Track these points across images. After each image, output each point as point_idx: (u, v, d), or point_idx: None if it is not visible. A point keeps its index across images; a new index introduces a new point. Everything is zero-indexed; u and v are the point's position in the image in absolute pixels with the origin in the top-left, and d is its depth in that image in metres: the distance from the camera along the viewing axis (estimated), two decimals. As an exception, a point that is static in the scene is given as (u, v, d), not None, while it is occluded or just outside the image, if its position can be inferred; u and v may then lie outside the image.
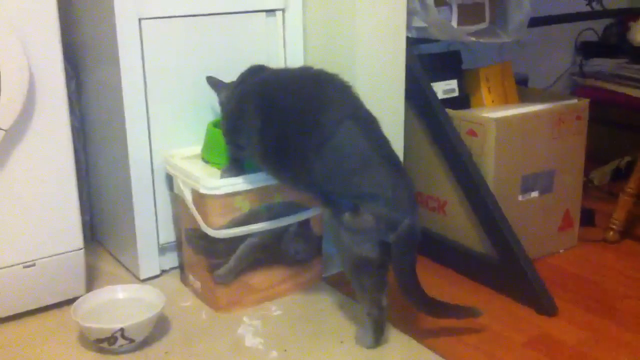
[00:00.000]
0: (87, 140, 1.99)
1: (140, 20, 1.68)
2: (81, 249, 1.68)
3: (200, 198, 1.61)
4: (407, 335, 1.56)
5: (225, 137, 1.63)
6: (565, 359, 1.50)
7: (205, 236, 1.62)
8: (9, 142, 1.52)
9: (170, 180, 1.78)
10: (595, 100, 2.05)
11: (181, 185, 1.67)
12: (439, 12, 1.85)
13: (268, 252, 1.70)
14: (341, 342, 1.55)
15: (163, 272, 1.86)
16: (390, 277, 1.49)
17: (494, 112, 1.89)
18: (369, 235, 1.44)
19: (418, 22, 1.85)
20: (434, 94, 1.87)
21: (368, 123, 1.49)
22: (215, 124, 1.72)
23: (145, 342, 1.53)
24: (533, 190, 1.91)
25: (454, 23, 1.93)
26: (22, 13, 1.49)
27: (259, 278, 1.70)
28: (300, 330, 1.60)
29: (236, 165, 1.63)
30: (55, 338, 1.56)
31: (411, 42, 1.83)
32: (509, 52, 2.42)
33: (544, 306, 1.67)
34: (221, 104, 1.69)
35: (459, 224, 1.89)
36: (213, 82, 1.71)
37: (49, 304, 1.66)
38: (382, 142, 1.48)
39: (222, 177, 1.62)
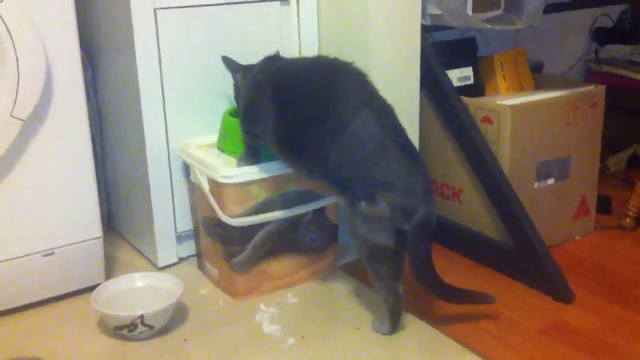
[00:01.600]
0: (104, 130, 2.01)
1: (155, 10, 1.69)
2: (100, 237, 1.69)
3: (217, 186, 1.62)
4: (423, 322, 1.57)
5: (241, 126, 1.64)
6: (582, 346, 1.50)
7: (222, 224, 1.63)
8: (27, 132, 1.53)
9: (186, 169, 1.79)
10: (611, 86, 2.04)
11: (198, 174, 1.68)
12: (453, -2, 1.85)
13: (284, 240, 1.71)
14: (357, 328, 1.56)
15: (180, 260, 1.88)
16: (405, 264, 1.49)
17: (509, 99, 1.88)
18: (384, 223, 1.45)
19: (433, 9, 1.85)
20: (449, 81, 1.87)
21: (384, 111, 1.49)
22: (231, 113, 1.73)
23: (164, 329, 1.54)
24: (549, 177, 1.90)
25: (469, 10, 1.92)
26: (39, 3, 1.50)
27: (276, 266, 1.71)
28: (317, 317, 1.61)
29: (253, 154, 1.64)
30: (75, 325, 1.58)
31: (426, 30, 1.83)
32: (524, 39, 2.41)
33: (561, 293, 1.67)
34: (236, 86, 1.69)
35: (474, 212, 1.90)
36: (228, 62, 1.71)
37: (68, 291, 1.68)
38: (398, 131, 1.48)
39: (238, 165, 1.63)
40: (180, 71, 1.76)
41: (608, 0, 2.55)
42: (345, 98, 1.47)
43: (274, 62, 1.64)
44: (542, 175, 1.89)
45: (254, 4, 1.82)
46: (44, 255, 1.62)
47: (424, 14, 1.83)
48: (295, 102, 1.52)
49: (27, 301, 1.64)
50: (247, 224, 1.63)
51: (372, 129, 1.45)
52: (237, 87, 1.71)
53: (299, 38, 1.90)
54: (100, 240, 1.70)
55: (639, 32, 2.65)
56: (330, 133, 1.45)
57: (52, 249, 1.63)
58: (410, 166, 1.45)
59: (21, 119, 1.49)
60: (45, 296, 1.66)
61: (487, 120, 1.84)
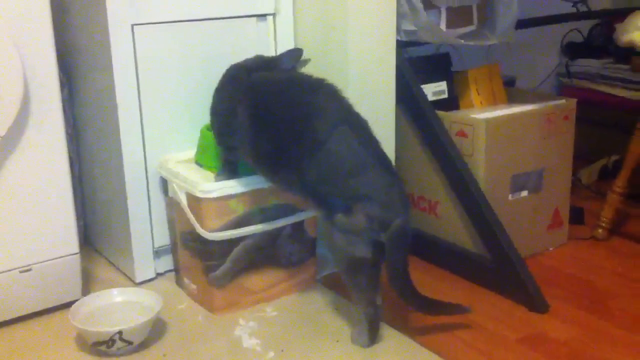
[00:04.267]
0: (81, 146, 2.00)
1: (133, 26, 1.69)
2: (77, 253, 1.69)
3: (195, 201, 1.63)
4: (401, 334, 1.58)
5: (216, 139, 1.65)
6: (558, 356, 1.52)
7: (200, 239, 1.63)
8: (4, 149, 1.53)
9: (164, 184, 1.79)
10: (582, 100, 2.08)
11: (176, 189, 1.68)
12: (427, 15, 1.87)
13: (263, 254, 1.71)
14: (337, 341, 1.57)
15: (158, 275, 1.87)
16: (383, 276, 1.51)
17: (483, 113, 1.91)
18: (362, 235, 1.46)
19: (407, 25, 1.87)
20: (424, 96, 1.90)
21: (360, 126, 1.51)
22: (209, 128, 1.74)
23: (143, 345, 1.54)
24: (523, 189, 1.93)
25: (443, 26, 1.96)
26: (16, 20, 1.50)
27: (254, 280, 1.72)
28: (296, 331, 1.61)
29: (230, 168, 1.65)
30: (53, 342, 1.57)
31: (401, 45, 1.85)
32: (497, 54, 2.45)
33: (536, 303, 1.70)
34: None
35: (450, 225, 1.92)
36: None
37: (45, 308, 1.67)
38: (373, 145, 1.50)
39: (216, 180, 1.64)
40: (157, 87, 1.76)
41: (579, 16, 2.60)
42: (322, 114, 1.49)
43: (246, 71, 1.65)
44: (516, 188, 1.92)
45: (231, 19, 1.84)
46: (21, 272, 1.61)
47: (399, 30, 1.85)
48: (272, 118, 1.53)
49: (4, 318, 1.62)
50: (225, 238, 1.63)
51: (349, 144, 1.47)
52: None
53: (275, 54, 1.91)
54: (78, 257, 1.69)
55: (609, 47, 2.70)
56: (308, 149, 1.47)
57: (29, 265, 1.62)
58: (387, 179, 1.47)
59: (-2, 135, 1.49)
60: (23, 312, 1.64)
61: (461, 133, 1.87)
